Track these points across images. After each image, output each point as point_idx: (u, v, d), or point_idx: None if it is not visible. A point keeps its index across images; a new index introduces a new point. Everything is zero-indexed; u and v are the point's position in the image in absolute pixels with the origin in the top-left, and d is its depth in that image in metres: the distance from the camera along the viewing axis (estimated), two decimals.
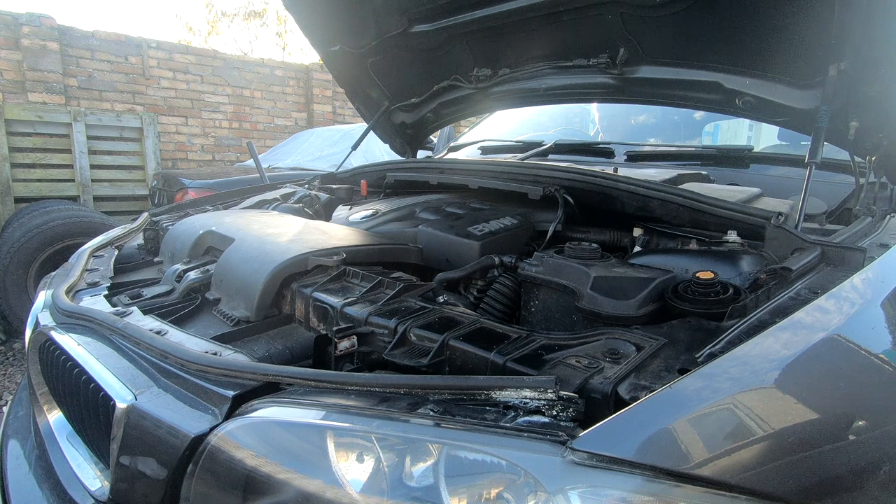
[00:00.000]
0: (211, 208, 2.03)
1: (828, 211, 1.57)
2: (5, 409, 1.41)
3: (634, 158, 2.20)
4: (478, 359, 0.78)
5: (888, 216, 1.38)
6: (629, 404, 0.61)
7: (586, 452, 0.55)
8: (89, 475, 0.95)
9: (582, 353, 0.75)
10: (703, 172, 1.87)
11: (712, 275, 0.92)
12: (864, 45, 1.28)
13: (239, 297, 1.13)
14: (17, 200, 4.66)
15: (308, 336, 1.05)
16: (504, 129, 2.95)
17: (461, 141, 2.92)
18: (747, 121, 2.43)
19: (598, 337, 0.80)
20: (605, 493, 0.54)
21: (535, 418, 0.61)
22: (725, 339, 0.73)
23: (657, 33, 1.64)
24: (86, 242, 1.73)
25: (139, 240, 1.76)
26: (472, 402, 0.65)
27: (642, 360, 0.71)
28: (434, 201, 1.72)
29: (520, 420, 0.61)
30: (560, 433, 0.57)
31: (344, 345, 0.90)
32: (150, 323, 1.00)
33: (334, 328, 0.92)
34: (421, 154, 2.83)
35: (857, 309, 0.86)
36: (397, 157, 2.78)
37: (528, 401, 0.63)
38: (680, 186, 1.49)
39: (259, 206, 1.99)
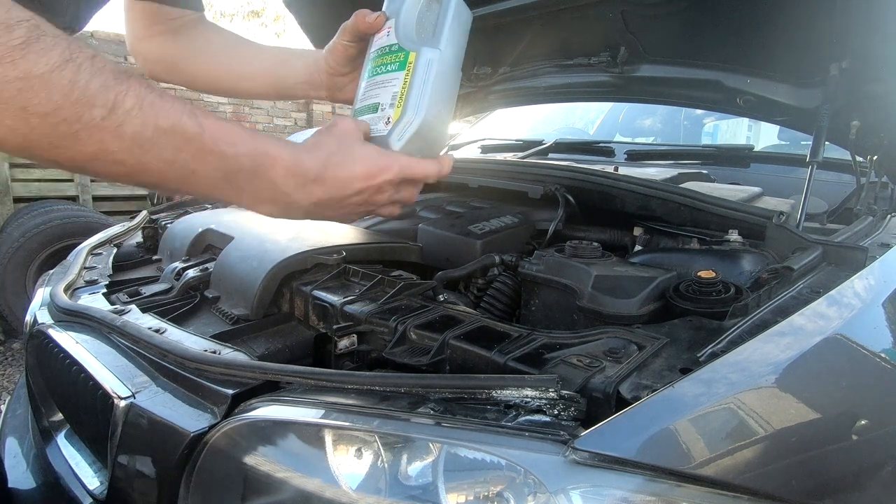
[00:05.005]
0: (210, 206, 2.02)
1: (828, 210, 1.56)
2: (3, 407, 1.40)
3: (635, 157, 2.20)
4: (478, 357, 0.78)
5: (889, 216, 1.38)
6: (631, 404, 0.60)
7: (588, 452, 0.54)
8: (87, 474, 0.95)
9: (583, 352, 0.75)
10: (704, 171, 1.87)
11: (714, 274, 0.92)
12: (865, 44, 1.28)
13: (238, 296, 1.13)
14: (16, 200, 4.64)
15: (308, 334, 1.05)
16: (504, 128, 2.94)
17: (460, 140, 2.91)
18: (746, 121, 2.43)
19: (600, 336, 0.79)
20: (607, 492, 0.54)
21: (537, 417, 0.60)
22: (727, 339, 0.73)
23: (658, 32, 1.63)
24: None
25: (138, 238, 1.76)
26: (473, 400, 0.65)
27: (644, 360, 0.70)
28: (434, 200, 1.72)
29: (521, 419, 0.60)
30: (562, 432, 0.57)
31: (343, 343, 0.90)
32: (148, 321, 1.00)
33: (334, 326, 0.92)
34: None
35: (859, 308, 0.85)
36: None
37: (529, 400, 0.63)
38: (680, 185, 1.49)
39: None
